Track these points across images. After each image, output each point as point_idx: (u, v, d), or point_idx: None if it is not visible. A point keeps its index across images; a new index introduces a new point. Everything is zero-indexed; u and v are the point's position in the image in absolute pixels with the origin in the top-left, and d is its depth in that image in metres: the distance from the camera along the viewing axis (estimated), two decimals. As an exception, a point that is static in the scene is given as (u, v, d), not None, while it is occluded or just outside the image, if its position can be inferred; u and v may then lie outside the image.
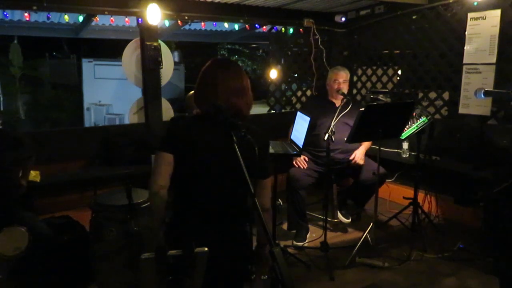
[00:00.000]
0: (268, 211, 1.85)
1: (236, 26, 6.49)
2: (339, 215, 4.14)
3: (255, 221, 1.65)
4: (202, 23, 6.32)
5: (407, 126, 3.53)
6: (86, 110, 9.84)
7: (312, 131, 3.58)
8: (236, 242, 1.78)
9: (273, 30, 5.42)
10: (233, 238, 1.77)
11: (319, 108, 3.77)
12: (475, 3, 3.77)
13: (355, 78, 5.32)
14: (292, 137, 3.29)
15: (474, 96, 2.74)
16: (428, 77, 4.40)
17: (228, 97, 1.71)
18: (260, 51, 19.73)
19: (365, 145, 3.77)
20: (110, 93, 9.40)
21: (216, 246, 1.53)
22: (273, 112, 5.51)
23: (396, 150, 4.45)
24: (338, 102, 3.78)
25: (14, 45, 10.18)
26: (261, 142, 1.68)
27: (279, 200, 3.45)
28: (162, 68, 4.10)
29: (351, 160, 3.67)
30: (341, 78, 3.69)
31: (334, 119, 3.25)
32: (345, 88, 3.69)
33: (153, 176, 1.68)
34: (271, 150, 3.05)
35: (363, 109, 3.03)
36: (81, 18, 5.17)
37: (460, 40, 3.95)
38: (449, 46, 4.11)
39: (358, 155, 3.67)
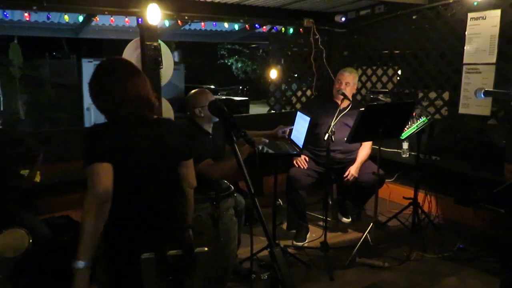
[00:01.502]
0: (193, 188, 1.95)
1: (236, 26, 6.48)
2: (339, 215, 4.14)
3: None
4: (202, 23, 6.32)
5: (407, 126, 3.52)
6: (86, 110, 9.84)
7: (313, 130, 3.58)
8: (174, 245, 1.70)
9: (273, 30, 5.42)
10: (171, 241, 1.74)
11: (322, 108, 3.76)
12: (475, 3, 3.77)
13: (355, 78, 5.31)
14: (292, 137, 3.29)
15: (474, 96, 2.74)
16: (428, 77, 4.39)
17: (141, 92, 1.72)
18: (260, 51, 19.75)
19: (361, 157, 3.75)
20: (110, 93, 9.38)
21: (157, 251, 1.54)
22: (273, 112, 5.51)
23: (396, 150, 4.45)
24: (340, 102, 3.78)
25: (14, 45, 10.19)
26: (180, 132, 1.87)
27: (279, 200, 3.45)
28: (162, 68, 4.10)
29: (345, 177, 3.66)
30: (344, 80, 3.67)
31: (334, 119, 3.25)
32: (348, 90, 3.64)
33: (93, 187, 1.54)
34: (270, 150, 3.06)
35: (363, 109, 3.03)
36: (81, 18, 5.16)
37: (460, 40, 3.94)
38: (449, 46, 4.11)
39: (352, 172, 3.66)
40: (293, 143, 3.26)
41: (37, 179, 3.21)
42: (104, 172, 1.56)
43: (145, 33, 3.97)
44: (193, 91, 2.84)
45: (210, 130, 2.83)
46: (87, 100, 9.82)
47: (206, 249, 1.39)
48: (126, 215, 1.67)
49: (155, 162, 1.72)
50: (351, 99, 3.59)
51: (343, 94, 3.60)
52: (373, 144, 3.79)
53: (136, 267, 1.49)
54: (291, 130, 3.23)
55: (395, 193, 4.46)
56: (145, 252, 1.52)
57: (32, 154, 2.85)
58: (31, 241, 2.50)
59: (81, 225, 1.54)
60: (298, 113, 3.38)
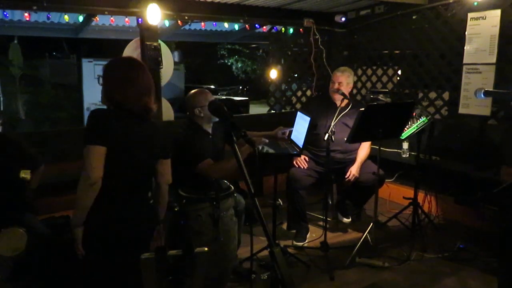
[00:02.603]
0: (169, 185, 2.12)
1: (236, 26, 6.49)
2: (339, 215, 4.14)
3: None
4: (202, 23, 6.32)
5: (407, 126, 3.52)
6: (86, 110, 9.84)
7: (313, 131, 3.57)
8: (147, 212, 2.05)
9: (273, 30, 5.42)
10: (145, 208, 2.04)
11: (321, 108, 3.76)
12: (475, 3, 3.77)
13: (355, 78, 5.31)
14: (292, 137, 3.29)
15: (474, 96, 2.74)
16: (428, 77, 4.40)
17: (141, 95, 1.90)
18: (260, 51, 19.75)
19: (361, 157, 3.74)
20: (110, 93, 9.40)
21: (135, 216, 1.94)
22: (273, 112, 5.51)
23: (396, 150, 4.45)
24: (339, 103, 3.78)
25: (14, 45, 10.19)
26: (163, 131, 2.07)
27: (279, 200, 3.44)
28: (162, 68, 4.10)
29: (346, 178, 3.65)
30: (336, 80, 3.66)
31: (334, 119, 3.25)
32: (343, 89, 3.64)
33: (88, 169, 1.76)
34: (271, 150, 3.06)
35: (363, 109, 3.03)
36: (81, 18, 5.17)
37: (460, 40, 3.94)
38: (449, 46, 4.11)
39: (353, 172, 3.65)
40: (293, 143, 3.26)
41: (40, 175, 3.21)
42: (97, 155, 1.77)
43: (145, 33, 3.97)
44: (192, 91, 2.84)
45: (210, 130, 2.83)
46: (87, 100, 9.83)
47: (206, 249, 1.39)
48: (109, 194, 1.84)
49: (142, 155, 1.93)
50: (350, 99, 3.58)
51: (343, 94, 3.60)
52: (373, 144, 3.79)
53: (103, 241, 1.83)
54: (290, 131, 3.23)
55: (395, 193, 4.46)
56: (116, 228, 1.85)
57: (31, 161, 2.83)
58: (29, 240, 2.50)
59: (76, 200, 1.81)
60: (298, 113, 3.38)
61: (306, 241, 3.65)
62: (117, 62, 1.99)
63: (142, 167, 1.97)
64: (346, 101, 3.57)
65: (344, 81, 3.66)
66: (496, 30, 3.65)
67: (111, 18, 5.06)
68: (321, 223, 3.92)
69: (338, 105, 3.71)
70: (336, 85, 3.65)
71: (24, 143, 2.89)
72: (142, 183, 2.02)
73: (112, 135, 1.82)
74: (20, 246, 2.48)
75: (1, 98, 9.92)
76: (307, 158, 3.75)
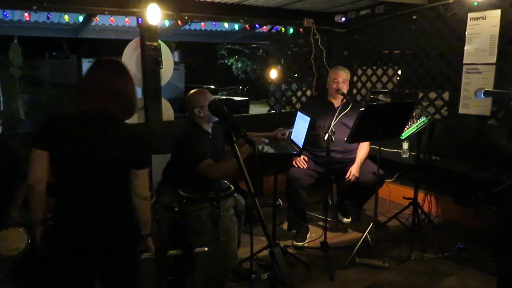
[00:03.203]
0: (147, 199, 1.92)
1: (236, 26, 6.49)
2: (339, 215, 4.14)
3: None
4: (202, 23, 6.33)
5: (407, 126, 3.52)
6: (86, 110, 9.81)
7: (311, 131, 3.58)
8: (114, 225, 1.83)
9: (273, 30, 5.42)
10: (111, 222, 1.82)
11: (318, 109, 3.76)
12: (475, 3, 3.76)
13: (355, 78, 5.31)
14: (292, 137, 3.29)
15: (474, 96, 2.74)
16: (428, 77, 4.39)
17: (99, 98, 1.75)
18: (260, 51, 19.76)
19: (360, 156, 3.74)
20: (110, 93, 9.39)
21: (91, 229, 1.75)
22: (273, 112, 5.51)
23: (396, 150, 4.45)
24: (337, 103, 3.78)
25: (14, 45, 10.17)
26: (137, 140, 1.85)
27: (279, 200, 3.45)
28: (162, 68, 4.10)
29: (347, 178, 3.65)
30: (341, 78, 3.68)
31: (334, 119, 3.25)
32: (344, 88, 3.68)
33: (29, 171, 1.73)
34: (271, 150, 3.06)
35: (363, 109, 3.03)
36: (81, 18, 5.17)
37: (460, 40, 3.94)
38: (449, 46, 4.11)
39: (353, 172, 3.65)
40: (293, 143, 3.27)
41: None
42: (37, 159, 1.71)
43: (145, 33, 3.97)
44: (192, 91, 2.84)
45: (209, 130, 2.84)
46: (87, 100, 9.79)
47: (206, 249, 1.40)
48: (63, 202, 1.78)
49: (99, 164, 1.76)
50: (349, 98, 3.59)
51: (343, 94, 3.61)
52: (373, 144, 3.79)
53: (53, 247, 1.73)
54: (290, 133, 3.23)
55: (395, 193, 4.46)
56: (66, 238, 1.74)
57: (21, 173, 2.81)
58: (29, 240, 2.50)
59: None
60: (298, 113, 3.39)
61: (306, 241, 3.65)
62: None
63: (99, 177, 1.79)
64: (344, 100, 3.57)
65: (346, 78, 3.70)
66: (496, 30, 3.65)
67: (111, 18, 5.07)
68: (321, 223, 3.92)
69: (336, 106, 3.72)
70: (341, 84, 3.65)
71: (20, 152, 2.85)
72: (105, 194, 1.81)
73: (58, 139, 1.73)
74: (19, 246, 2.48)
75: (1, 98, 9.90)
76: (306, 158, 3.75)
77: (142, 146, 1.89)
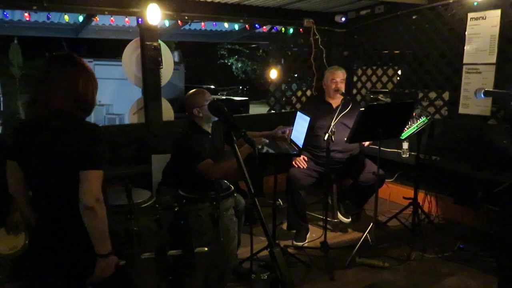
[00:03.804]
0: (92, 209, 1.59)
1: (236, 26, 6.49)
2: (339, 215, 4.14)
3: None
4: (202, 23, 6.32)
5: (407, 126, 3.52)
6: (86, 110, 9.81)
7: (310, 132, 3.58)
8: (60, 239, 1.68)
9: (273, 30, 5.42)
10: (56, 235, 1.70)
11: (316, 109, 3.76)
12: (475, 3, 3.76)
13: (355, 78, 5.31)
14: (292, 137, 3.29)
15: (474, 96, 2.74)
16: (428, 77, 4.39)
17: (46, 96, 1.64)
18: (260, 51, 19.74)
19: None
20: (110, 93, 9.41)
21: (42, 242, 1.69)
22: (273, 112, 5.51)
23: (396, 150, 4.45)
24: (335, 103, 3.79)
25: (14, 45, 10.17)
26: (86, 136, 1.66)
27: (279, 200, 3.45)
28: (162, 68, 4.10)
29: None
30: (338, 78, 3.68)
31: (334, 119, 3.25)
32: (342, 88, 3.69)
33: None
34: (271, 150, 3.05)
35: (363, 109, 3.03)
36: (81, 18, 5.16)
37: (460, 40, 3.94)
38: (449, 46, 4.11)
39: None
40: (293, 143, 3.26)
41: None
42: (9, 169, 1.71)
43: (145, 33, 3.97)
44: (190, 91, 2.84)
45: (209, 130, 2.83)
46: (87, 100, 9.79)
47: (206, 249, 1.39)
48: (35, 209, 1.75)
49: (38, 167, 1.66)
50: (349, 98, 3.59)
51: (343, 94, 3.61)
52: (373, 144, 3.79)
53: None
54: (291, 130, 3.23)
55: (395, 193, 4.46)
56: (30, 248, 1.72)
57: None
58: (27, 240, 2.50)
59: None
60: (298, 113, 3.39)
61: (306, 241, 3.65)
62: None
63: (46, 185, 1.67)
64: (342, 101, 3.57)
65: (343, 77, 3.72)
66: (496, 30, 3.65)
67: (111, 18, 5.06)
68: (321, 223, 3.92)
69: (335, 106, 3.73)
70: (339, 83, 3.66)
71: None
72: (50, 203, 1.68)
73: (16, 148, 1.70)
74: (17, 244, 2.47)
75: (1, 98, 9.90)
76: (306, 158, 3.75)
77: (91, 144, 1.64)
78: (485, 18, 3.72)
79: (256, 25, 5.37)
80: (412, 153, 4.24)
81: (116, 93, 9.34)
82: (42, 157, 1.64)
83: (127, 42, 4.16)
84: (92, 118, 10.24)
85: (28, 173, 1.70)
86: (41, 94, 1.65)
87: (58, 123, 1.63)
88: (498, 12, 3.63)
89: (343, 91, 3.64)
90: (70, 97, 1.65)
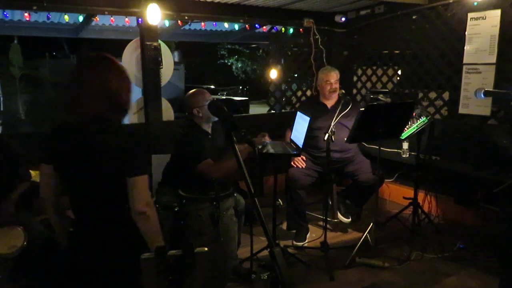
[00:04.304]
0: (144, 214, 1.59)
1: (236, 26, 6.49)
2: (339, 215, 4.14)
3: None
4: (202, 23, 6.32)
5: (407, 126, 3.52)
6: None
7: (309, 134, 3.58)
8: (110, 252, 1.64)
9: (273, 30, 5.42)
10: (108, 247, 1.65)
11: (313, 110, 3.75)
12: (475, 3, 3.76)
13: (355, 78, 5.32)
14: (292, 137, 3.29)
15: (474, 96, 2.74)
16: (428, 77, 4.39)
17: (81, 99, 1.59)
18: (260, 51, 19.75)
19: None
20: (110, 93, 9.40)
21: (92, 257, 1.64)
22: (273, 112, 5.51)
23: (396, 150, 4.45)
24: (329, 103, 3.79)
25: (14, 45, 10.18)
26: (129, 142, 1.62)
27: (279, 200, 3.46)
28: (162, 68, 4.10)
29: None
30: (333, 79, 3.69)
31: (334, 119, 3.25)
32: (337, 88, 3.70)
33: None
34: (271, 150, 3.05)
35: (363, 109, 3.03)
36: (81, 18, 5.17)
37: (460, 40, 3.94)
38: (449, 46, 4.11)
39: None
40: (293, 143, 3.27)
41: (37, 179, 3.21)
42: (42, 173, 1.70)
43: (145, 33, 3.97)
44: (190, 91, 2.84)
45: (209, 130, 2.83)
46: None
47: (206, 249, 1.39)
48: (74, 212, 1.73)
49: (83, 173, 1.62)
50: (348, 98, 3.58)
51: (343, 94, 3.60)
52: (373, 144, 3.79)
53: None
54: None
55: (395, 193, 4.46)
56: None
57: (19, 175, 2.82)
58: (27, 239, 2.49)
59: None
60: (298, 113, 3.39)
61: (306, 241, 3.65)
62: None
63: (88, 191, 1.64)
64: (343, 101, 3.57)
65: (337, 78, 3.73)
66: (496, 30, 3.65)
67: (111, 18, 5.06)
68: (321, 223, 3.92)
69: (329, 106, 3.73)
70: (334, 84, 3.67)
71: (20, 153, 2.85)
72: (95, 211, 1.66)
73: (54, 152, 1.66)
74: (17, 244, 2.47)
75: (1, 98, 9.90)
76: (304, 158, 3.75)
77: (135, 149, 1.62)
78: (485, 18, 3.72)
79: (256, 25, 5.37)
80: (412, 153, 4.24)
81: (116, 93, 9.32)
82: (81, 163, 1.60)
83: (127, 42, 4.16)
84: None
85: (66, 178, 1.67)
86: (75, 98, 1.62)
87: (96, 128, 1.60)
88: (498, 12, 3.63)
89: (343, 91, 3.64)
90: (104, 99, 1.60)
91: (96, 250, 1.65)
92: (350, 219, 4.15)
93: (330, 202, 4.02)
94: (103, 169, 1.60)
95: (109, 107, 1.61)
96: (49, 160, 1.66)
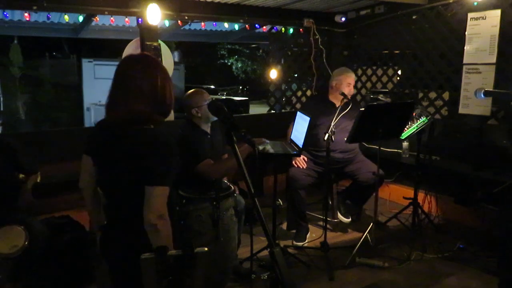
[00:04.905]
0: (155, 227, 1.50)
1: (236, 26, 6.49)
2: (339, 215, 4.14)
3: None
4: (202, 23, 6.33)
5: (407, 126, 3.52)
6: (86, 110, 9.86)
7: (311, 131, 3.58)
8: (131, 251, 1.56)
9: (273, 30, 5.42)
10: (122, 246, 1.65)
11: (319, 108, 3.74)
12: (475, 3, 3.77)
13: (355, 78, 5.31)
14: (292, 137, 3.29)
15: (474, 96, 2.74)
16: (428, 77, 4.39)
17: (127, 100, 1.57)
18: (260, 51, 19.75)
19: None
20: (110, 93, 9.42)
21: (115, 256, 1.67)
22: (273, 112, 5.51)
23: (396, 150, 4.45)
24: (338, 103, 3.78)
25: (14, 45, 10.20)
26: (159, 150, 1.57)
27: (279, 200, 3.47)
28: (162, 68, 4.09)
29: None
30: (352, 81, 3.69)
31: (334, 119, 3.24)
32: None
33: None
34: (271, 150, 3.04)
35: (363, 109, 3.03)
36: (81, 18, 5.17)
37: (460, 40, 3.94)
38: (449, 46, 4.11)
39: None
40: (293, 143, 3.27)
41: (38, 179, 3.21)
42: (83, 162, 1.73)
43: (145, 33, 3.96)
44: (189, 92, 2.83)
45: (208, 130, 2.83)
46: (87, 100, 9.83)
47: (206, 249, 1.39)
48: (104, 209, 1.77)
49: (113, 174, 1.63)
50: (349, 99, 3.58)
51: (343, 94, 3.60)
52: (373, 144, 3.79)
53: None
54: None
55: (395, 193, 4.46)
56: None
57: (25, 168, 2.83)
58: (28, 239, 2.49)
59: None
60: (298, 113, 3.39)
61: (306, 241, 3.65)
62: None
63: (114, 188, 1.65)
64: (345, 100, 3.57)
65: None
66: (496, 30, 3.65)
67: (111, 18, 5.07)
68: (321, 223, 3.92)
69: (337, 105, 3.72)
70: (351, 86, 3.67)
71: (21, 150, 2.85)
72: (120, 209, 1.66)
73: (93, 145, 1.71)
74: (18, 243, 2.47)
75: (1, 98, 9.92)
76: (305, 158, 3.75)
77: (165, 160, 1.57)
78: (485, 18, 3.72)
79: (256, 25, 5.37)
80: (412, 153, 4.24)
81: (116, 93, 9.35)
82: (112, 162, 1.62)
83: (127, 42, 4.17)
84: (92, 118, 10.24)
85: (98, 172, 1.72)
86: (119, 97, 1.60)
87: (133, 132, 1.57)
88: (498, 12, 3.63)
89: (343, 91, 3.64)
90: (149, 98, 1.58)
91: (121, 246, 1.65)
92: (350, 219, 4.15)
93: (330, 202, 4.02)
94: (129, 171, 1.57)
95: (153, 107, 1.60)
96: (89, 151, 1.73)
